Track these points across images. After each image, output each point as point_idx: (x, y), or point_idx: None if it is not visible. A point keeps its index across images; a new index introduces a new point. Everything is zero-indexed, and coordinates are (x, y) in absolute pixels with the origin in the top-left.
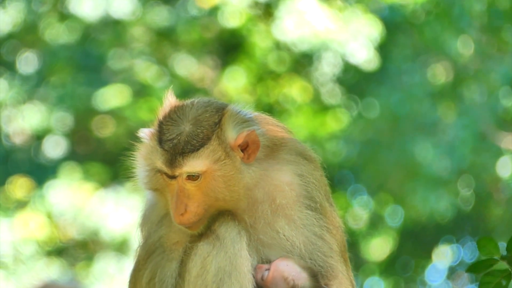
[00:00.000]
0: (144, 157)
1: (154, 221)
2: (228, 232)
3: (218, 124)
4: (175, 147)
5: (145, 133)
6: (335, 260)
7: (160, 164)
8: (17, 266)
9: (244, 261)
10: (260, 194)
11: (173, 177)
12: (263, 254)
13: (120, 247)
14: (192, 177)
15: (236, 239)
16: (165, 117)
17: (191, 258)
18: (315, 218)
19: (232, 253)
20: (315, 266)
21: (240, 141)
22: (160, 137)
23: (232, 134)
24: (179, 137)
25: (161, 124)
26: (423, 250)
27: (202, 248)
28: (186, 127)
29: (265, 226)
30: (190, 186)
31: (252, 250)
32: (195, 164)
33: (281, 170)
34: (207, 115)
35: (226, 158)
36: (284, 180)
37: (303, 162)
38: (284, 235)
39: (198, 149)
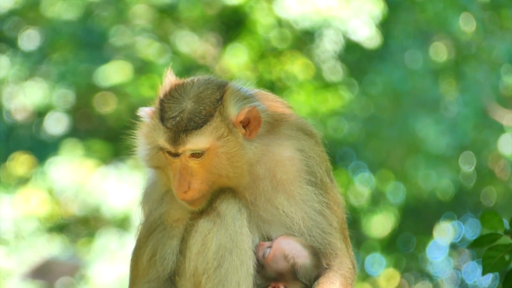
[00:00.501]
0: (146, 135)
1: (155, 199)
2: (229, 209)
3: (220, 101)
4: (178, 124)
5: (146, 112)
6: (335, 237)
7: (163, 142)
8: (18, 243)
9: (245, 238)
10: (262, 170)
11: (176, 155)
12: (264, 231)
13: (122, 224)
14: (195, 154)
15: (237, 216)
16: (166, 95)
17: (191, 235)
18: (315, 194)
19: (233, 230)
20: (314, 243)
21: (241, 117)
22: (162, 115)
23: (234, 111)
24: (181, 115)
25: (162, 102)
26: (424, 227)
27: (203, 225)
28: (188, 105)
29: (266, 202)
30: (193, 163)
31: (253, 227)
32: (198, 141)
33: (282, 145)
34: (208, 92)
35: (229, 135)
36: (285, 155)
37: (303, 137)
38: (283, 211)
39: (201, 126)
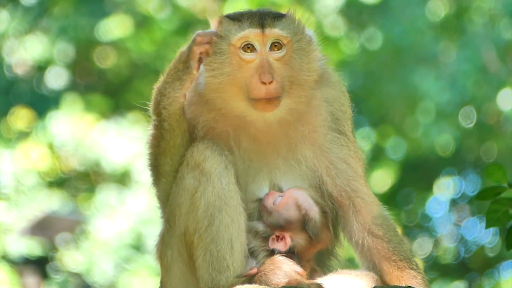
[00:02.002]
0: (224, 34)
1: None
2: (214, 167)
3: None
4: (263, 12)
5: (213, 22)
6: (361, 183)
7: (248, 30)
8: (18, 197)
9: (233, 194)
10: (293, 115)
11: (254, 50)
12: (275, 181)
13: (121, 179)
14: (277, 45)
15: (223, 173)
16: (237, 11)
17: (179, 193)
18: (339, 142)
19: (220, 188)
20: (339, 191)
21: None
22: (237, 17)
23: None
24: (261, 10)
25: (232, 15)
26: (424, 182)
27: (189, 183)
28: (266, 9)
29: (288, 152)
30: (273, 58)
31: (266, 178)
32: (283, 26)
33: (312, 96)
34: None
35: (302, 34)
36: (313, 103)
37: (330, 86)
38: (306, 163)
39: (282, 16)
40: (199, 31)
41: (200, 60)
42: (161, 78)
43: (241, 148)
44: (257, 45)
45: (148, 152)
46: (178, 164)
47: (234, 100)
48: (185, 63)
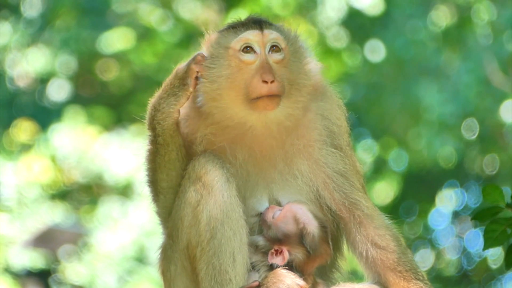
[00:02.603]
0: (215, 46)
1: None
2: (215, 180)
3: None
4: (261, 18)
5: (211, 34)
6: (359, 196)
7: (247, 32)
8: (21, 210)
9: (235, 207)
10: (290, 125)
11: (254, 51)
12: (274, 195)
13: (124, 191)
14: (275, 48)
15: (225, 186)
16: (227, 24)
17: (181, 206)
18: (336, 156)
19: (222, 201)
20: (338, 205)
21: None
22: (235, 25)
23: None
24: (254, 16)
25: (228, 24)
26: (427, 194)
27: (191, 196)
28: (253, 16)
29: (285, 166)
30: (273, 59)
31: (261, 191)
32: (280, 30)
33: (306, 108)
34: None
35: (296, 39)
36: (308, 117)
37: (326, 100)
38: (303, 176)
39: (278, 24)
40: (200, 52)
41: (197, 79)
42: (156, 93)
43: (237, 162)
44: (256, 47)
45: (146, 167)
46: (175, 180)
47: (233, 106)
48: (181, 80)
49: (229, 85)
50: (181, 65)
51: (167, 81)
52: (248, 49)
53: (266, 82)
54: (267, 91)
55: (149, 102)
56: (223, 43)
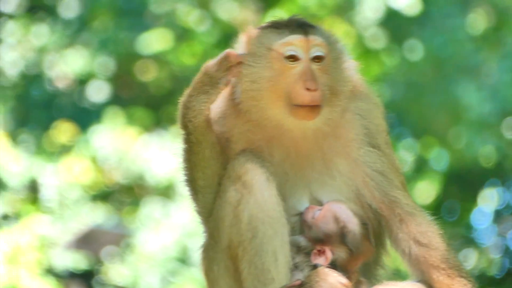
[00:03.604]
0: (265, 40)
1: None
2: (255, 179)
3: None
4: (305, 21)
5: (250, 32)
6: (399, 194)
7: (292, 36)
8: (62, 211)
9: (276, 206)
10: (328, 128)
11: (296, 59)
12: (314, 194)
13: (165, 192)
14: (319, 57)
15: (265, 185)
16: (270, 21)
17: (222, 206)
18: (374, 155)
19: (262, 200)
20: (378, 203)
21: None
22: (281, 22)
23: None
24: (296, 18)
25: (270, 23)
26: (468, 193)
27: (231, 195)
28: (300, 17)
29: (323, 166)
30: (315, 67)
31: (301, 190)
32: (322, 34)
33: (345, 110)
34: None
35: (337, 43)
36: (347, 118)
37: (364, 100)
38: (342, 175)
39: (320, 26)
40: (230, 50)
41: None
42: (186, 92)
43: (275, 162)
44: (300, 52)
45: (183, 167)
46: (212, 179)
47: (272, 108)
48: (212, 78)
49: (271, 88)
50: (210, 62)
51: (196, 79)
52: (292, 54)
53: (308, 90)
54: (310, 100)
55: (179, 101)
56: (265, 43)
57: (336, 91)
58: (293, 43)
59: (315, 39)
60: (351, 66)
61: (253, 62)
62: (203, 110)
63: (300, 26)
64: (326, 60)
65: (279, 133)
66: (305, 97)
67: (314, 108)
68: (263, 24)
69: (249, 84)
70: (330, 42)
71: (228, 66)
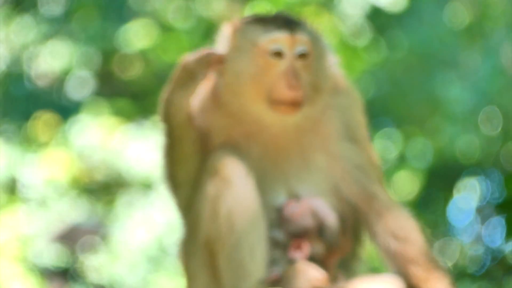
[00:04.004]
0: (250, 35)
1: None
2: (234, 174)
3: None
4: (291, 18)
5: (230, 27)
6: (377, 188)
7: (278, 33)
8: (42, 207)
9: (254, 201)
10: (308, 123)
11: (282, 53)
12: (293, 190)
13: (145, 184)
14: (303, 51)
15: (243, 180)
16: (255, 15)
17: (200, 200)
18: (353, 150)
19: (240, 195)
20: (356, 198)
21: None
22: (267, 17)
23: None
24: (282, 14)
25: (255, 18)
26: (448, 187)
27: (209, 190)
28: (285, 13)
29: (302, 161)
30: (299, 64)
31: (280, 186)
32: (307, 31)
33: (325, 105)
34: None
35: (320, 40)
36: (326, 113)
37: (343, 95)
38: (321, 170)
39: (305, 23)
40: (209, 48)
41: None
42: (167, 88)
43: (253, 157)
44: (285, 50)
45: (163, 162)
46: (192, 173)
47: (253, 103)
48: (191, 73)
49: (253, 83)
50: (189, 57)
51: (175, 74)
52: (277, 50)
53: (291, 88)
54: (292, 98)
55: (161, 96)
56: (250, 38)
57: (318, 88)
58: (279, 40)
59: (300, 36)
60: (334, 62)
61: (236, 57)
62: (184, 105)
63: (286, 22)
64: (310, 57)
65: (259, 129)
66: (288, 94)
67: (295, 104)
68: (248, 18)
69: (232, 78)
70: (315, 39)
71: (209, 62)
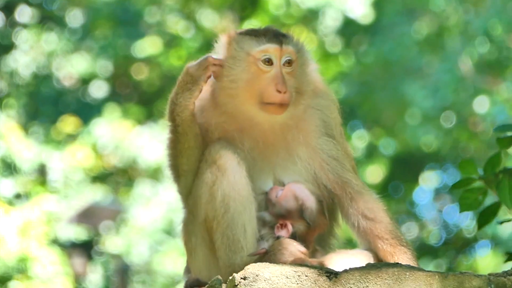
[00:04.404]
0: (245, 46)
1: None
2: (228, 163)
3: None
4: (279, 32)
5: (226, 36)
6: (351, 176)
7: (269, 45)
8: (67, 191)
9: (245, 186)
10: (292, 121)
11: (270, 63)
12: (278, 177)
13: (154, 174)
14: (289, 61)
15: (236, 169)
16: (249, 28)
17: (199, 186)
18: (330, 143)
19: (234, 181)
20: (332, 184)
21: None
22: (257, 31)
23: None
24: (272, 28)
25: (249, 31)
26: (412, 175)
27: (207, 177)
28: (270, 28)
29: (286, 153)
30: (286, 71)
31: (267, 174)
32: (293, 44)
33: (306, 106)
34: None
35: (304, 50)
36: (307, 112)
37: (322, 97)
38: (302, 160)
39: (291, 35)
40: (210, 55)
41: (209, 76)
42: (173, 90)
43: (245, 149)
44: (274, 59)
45: (167, 153)
46: (194, 163)
47: (246, 104)
48: (194, 77)
49: (246, 88)
50: (191, 64)
51: (180, 78)
52: (267, 60)
53: (279, 91)
54: (280, 100)
55: (168, 98)
56: (245, 48)
57: (301, 91)
58: (269, 50)
59: (287, 47)
60: (314, 68)
61: (232, 64)
62: (188, 105)
63: (275, 36)
64: (295, 64)
65: (250, 125)
66: (276, 97)
67: (282, 105)
68: (243, 30)
69: (228, 83)
70: (299, 49)
71: (207, 67)
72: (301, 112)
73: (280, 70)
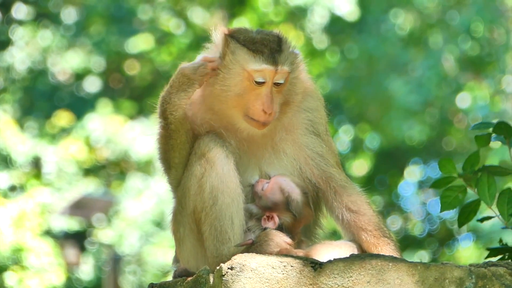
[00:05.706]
0: (240, 59)
1: None
2: (217, 156)
3: (286, 41)
4: (274, 47)
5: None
6: (335, 171)
7: (265, 66)
8: (60, 183)
9: (233, 179)
10: (278, 126)
11: (263, 83)
12: (264, 170)
13: (146, 167)
14: (281, 82)
15: (225, 161)
16: (245, 36)
17: (188, 178)
18: (315, 141)
19: (222, 174)
20: (317, 178)
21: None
22: (254, 45)
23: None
24: (270, 43)
25: (246, 40)
26: (396, 168)
27: (196, 169)
28: (270, 37)
29: (273, 148)
30: (276, 89)
31: (253, 167)
32: (287, 62)
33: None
34: (274, 33)
35: (296, 63)
36: (296, 113)
37: (309, 98)
38: (289, 156)
39: (284, 48)
40: (205, 56)
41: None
42: (165, 89)
43: (231, 144)
44: (267, 79)
45: (159, 147)
46: (185, 157)
47: (231, 112)
48: (189, 79)
49: (235, 98)
50: (186, 65)
51: (174, 78)
52: (261, 80)
53: (265, 112)
54: (263, 120)
55: (159, 95)
56: (240, 62)
57: (289, 102)
58: (264, 72)
59: (282, 69)
60: (305, 73)
61: (226, 74)
62: (182, 105)
63: (271, 53)
64: (285, 82)
65: (234, 128)
66: (260, 117)
67: (265, 124)
68: (239, 36)
69: (219, 90)
70: (293, 65)
71: (205, 72)
72: (290, 114)
73: (271, 90)
